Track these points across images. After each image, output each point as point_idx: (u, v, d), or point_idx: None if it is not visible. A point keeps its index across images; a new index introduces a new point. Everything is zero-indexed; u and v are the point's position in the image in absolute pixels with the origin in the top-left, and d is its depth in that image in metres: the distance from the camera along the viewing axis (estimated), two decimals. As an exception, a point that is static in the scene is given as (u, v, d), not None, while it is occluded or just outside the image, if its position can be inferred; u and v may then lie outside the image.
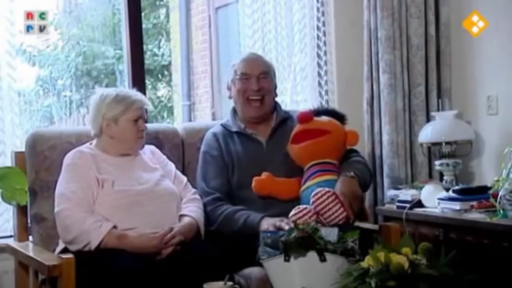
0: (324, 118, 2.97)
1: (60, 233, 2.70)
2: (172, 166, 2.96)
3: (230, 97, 3.10)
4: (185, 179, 2.94)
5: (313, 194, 2.70)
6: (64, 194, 2.70)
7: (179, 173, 2.96)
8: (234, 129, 3.04)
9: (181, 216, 2.79)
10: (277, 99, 3.19)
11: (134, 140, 2.83)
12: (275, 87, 3.11)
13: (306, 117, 2.94)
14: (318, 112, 3.01)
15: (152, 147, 2.99)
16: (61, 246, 2.72)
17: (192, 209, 2.82)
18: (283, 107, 3.58)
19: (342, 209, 2.67)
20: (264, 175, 2.88)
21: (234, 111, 3.09)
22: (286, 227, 2.59)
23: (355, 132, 2.99)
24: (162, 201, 2.76)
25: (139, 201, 2.71)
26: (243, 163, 2.97)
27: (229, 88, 3.09)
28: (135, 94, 2.90)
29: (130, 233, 2.63)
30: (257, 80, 2.99)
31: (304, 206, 2.70)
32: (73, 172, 2.75)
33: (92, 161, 2.77)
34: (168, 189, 2.82)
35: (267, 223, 2.71)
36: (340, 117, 3.01)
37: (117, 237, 2.60)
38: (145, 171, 2.83)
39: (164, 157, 2.98)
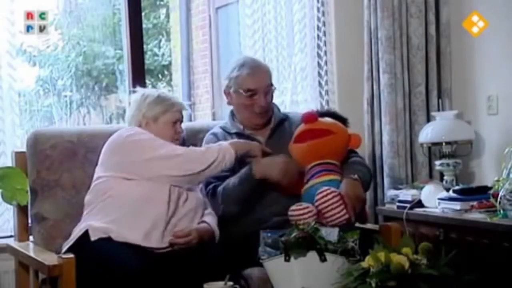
0: (328, 119, 2.97)
1: (189, 159, 2.73)
2: None
3: (229, 103, 3.07)
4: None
5: (318, 191, 2.70)
6: (161, 144, 2.75)
7: (203, 185, 2.96)
8: (233, 130, 3.04)
9: (200, 222, 2.79)
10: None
11: (169, 142, 2.84)
12: None
13: (311, 117, 2.94)
14: (322, 114, 3.01)
15: None
16: (68, 244, 2.70)
17: (211, 219, 2.82)
18: (283, 107, 3.60)
19: (344, 211, 2.67)
20: None
21: (233, 113, 3.09)
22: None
23: (358, 135, 2.99)
24: (192, 206, 2.78)
25: (174, 201, 2.72)
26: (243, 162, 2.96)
27: (228, 94, 3.04)
28: (176, 97, 2.97)
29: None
30: (265, 95, 2.96)
31: (306, 204, 2.70)
32: (147, 134, 2.79)
33: None
34: (197, 196, 2.83)
35: (262, 166, 2.79)
36: (342, 121, 3.01)
37: (237, 140, 2.85)
38: None
39: None
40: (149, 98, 2.88)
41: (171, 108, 2.88)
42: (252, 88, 2.95)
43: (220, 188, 2.88)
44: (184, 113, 2.96)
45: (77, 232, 2.70)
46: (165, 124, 2.86)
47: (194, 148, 2.81)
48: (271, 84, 3.02)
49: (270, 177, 2.79)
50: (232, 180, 2.85)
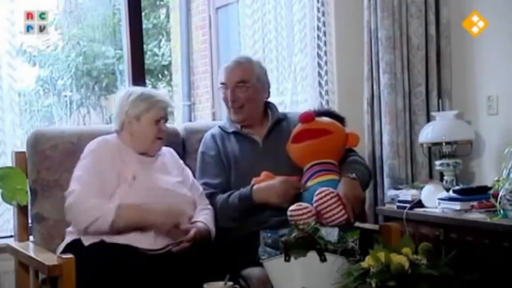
0: (326, 119, 2.98)
1: (66, 212, 2.67)
2: (189, 172, 2.96)
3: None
4: (201, 188, 2.94)
5: (317, 192, 2.71)
6: (79, 177, 2.69)
7: (196, 181, 2.96)
8: (231, 129, 3.05)
9: (195, 222, 2.78)
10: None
11: (153, 140, 2.82)
12: (269, 88, 3.10)
13: (308, 117, 2.95)
14: (319, 113, 3.02)
15: (171, 149, 2.98)
16: (64, 243, 2.71)
17: (206, 218, 2.82)
18: (283, 107, 3.61)
19: (343, 211, 2.68)
20: (263, 174, 2.88)
21: None
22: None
23: (355, 134, 3.00)
24: (180, 209, 2.75)
25: (156, 202, 2.70)
26: (240, 161, 2.98)
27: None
28: (160, 94, 2.91)
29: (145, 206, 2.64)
30: (233, 89, 2.99)
31: (305, 204, 2.70)
32: (95, 160, 2.73)
33: (117, 151, 2.77)
34: (184, 196, 2.82)
35: (261, 193, 2.79)
36: (340, 119, 3.02)
37: (131, 206, 2.61)
38: (164, 174, 2.82)
39: (181, 162, 2.98)
40: (133, 95, 2.83)
41: (154, 105, 2.82)
42: (223, 81, 3.03)
43: (218, 201, 2.88)
44: (170, 110, 2.91)
45: (67, 239, 2.72)
46: (148, 122, 2.81)
47: (84, 202, 2.64)
48: (246, 83, 3.00)
49: (269, 202, 2.81)
50: (231, 199, 2.86)
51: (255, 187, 2.83)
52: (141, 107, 2.81)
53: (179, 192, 2.80)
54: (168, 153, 2.94)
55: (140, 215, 2.62)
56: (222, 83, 3.03)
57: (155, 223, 2.63)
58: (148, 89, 2.98)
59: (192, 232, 2.67)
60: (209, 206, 2.89)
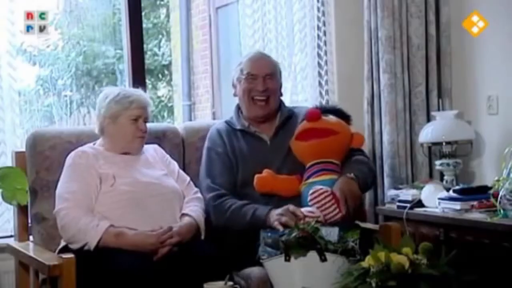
0: (332, 118, 2.97)
1: (60, 232, 2.71)
2: (175, 165, 2.97)
3: (235, 95, 3.08)
4: (188, 178, 2.95)
5: (310, 192, 2.72)
6: (63, 194, 2.71)
7: (182, 172, 2.97)
8: (238, 126, 3.03)
9: (182, 215, 2.79)
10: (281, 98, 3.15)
11: (132, 139, 2.83)
12: (280, 86, 3.11)
13: (315, 115, 2.94)
14: (325, 110, 3.02)
15: (156, 146, 3.00)
16: (62, 244, 2.72)
17: (193, 209, 2.81)
18: (283, 107, 3.59)
19: (337, 209, 2.69)
20: (266, 172, 2.88)
21: (239, 108, 3.08)
22: (292, 223, 2.61)
23: (361, 135, 3.01)
24: (164, 200, 2.76)
25: (140, 198, 2.71)
26: (247, 160, 2.96)
27: (234, 86, 3.07)
28: (137, 93, 2.89)
29: (128, 231, 2.62)
30: (263, 80, 2.98)
31: (314, 210, 2.69)
32: (73, 172, 2.76)
33: (94, 159, 2.78)
34: (170, 188, 2.82)
35: (275, 218, 2.69)
36: (346, 117, 3.01)
37: (115, 235, 2.60)
38: (147, 169, 2.83)
39: (168, 156, 2.98)
40: (109, 97, 2.85)
41: (130, 105, 2.82)
42: (252, 72, 2.99)
43: (230, 206, 2.83)
44: (149, 110, 2.89)
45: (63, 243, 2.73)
46: (125, 122, 2.81)
47: (73, 224, 2.64)
48: (274, 75, 3.02)
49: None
50: (244, 210, 2.80)
51: (272, 211, 2.75)
52: (117, 108, 2.81)
53: (163, 184, 2.80)
54: (151, 149, 2.95)
55: (121, 243, 2.60)
56: (250, 74, 2.99)
57: (140, 247, 2.60)
58: (125, 89, 2.97)
59: (170, 241, 2.63)
60: (198, 195, 2.88)
